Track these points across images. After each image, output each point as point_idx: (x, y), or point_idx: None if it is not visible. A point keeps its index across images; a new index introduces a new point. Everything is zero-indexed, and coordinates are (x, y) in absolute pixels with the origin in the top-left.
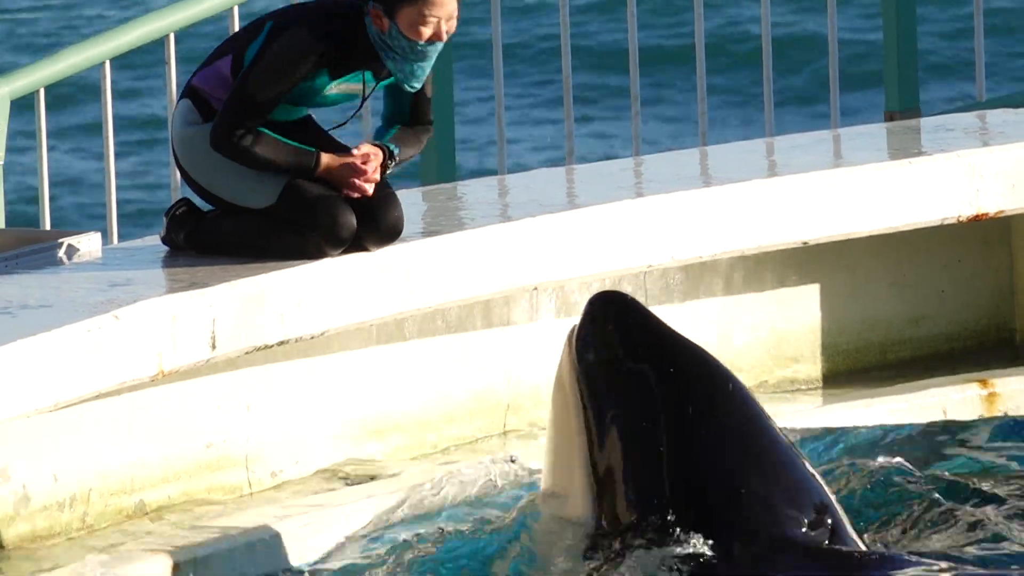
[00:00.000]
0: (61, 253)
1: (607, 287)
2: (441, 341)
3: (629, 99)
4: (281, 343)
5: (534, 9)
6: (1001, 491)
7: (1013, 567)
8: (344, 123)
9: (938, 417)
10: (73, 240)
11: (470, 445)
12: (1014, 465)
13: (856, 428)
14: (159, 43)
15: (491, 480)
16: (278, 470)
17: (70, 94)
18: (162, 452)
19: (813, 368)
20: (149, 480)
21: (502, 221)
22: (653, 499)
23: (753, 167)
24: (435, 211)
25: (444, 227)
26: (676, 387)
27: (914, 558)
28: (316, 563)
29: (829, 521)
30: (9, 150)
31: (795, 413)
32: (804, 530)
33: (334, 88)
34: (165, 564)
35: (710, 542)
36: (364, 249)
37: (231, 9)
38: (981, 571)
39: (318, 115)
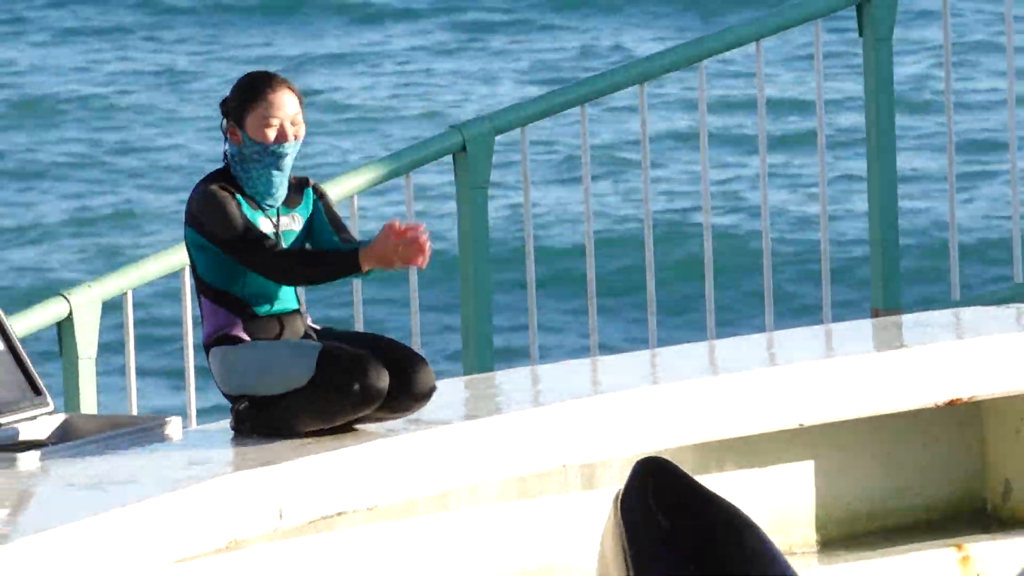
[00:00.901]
0: (147, 435)
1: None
2: (483, 510)
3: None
4: (339, 514)
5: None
6: None
7: None
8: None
9: None
10: (157, 424)
11: None
12: None
13: None
14: None
15: None
16: None
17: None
18: None
19: (810, 534)
20: None
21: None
22: None
23: (755, 358)
24: (475, 397)
25: (482, 412)
26: (712, 546)
27: None
28: None
29: None
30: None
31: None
32: None
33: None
34: None
35: None
36: (405, 411)
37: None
38: None
39: None
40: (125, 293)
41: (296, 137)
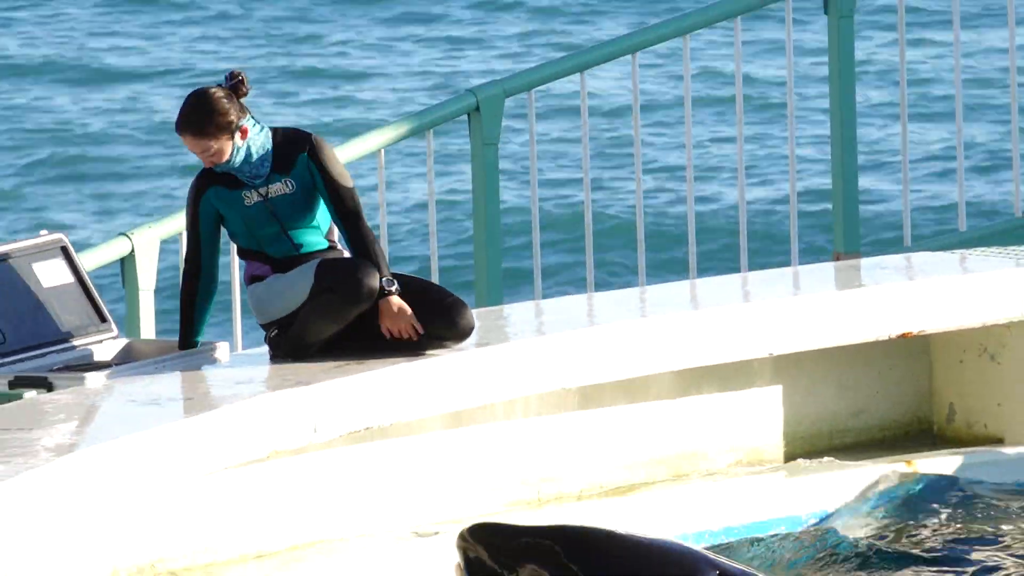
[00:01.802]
0: (198, 358)
1: (620, 390)
2: (491, 428)
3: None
4: (367, 429)
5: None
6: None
7: None
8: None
9: (872, 489)
10: (207, 348)
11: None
12: (932, 519)
13: (811, 500)
14: None
15: None
16: None
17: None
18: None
19: (778, 451)
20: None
21: (537, 335)
22: None
23: (731, 295)
24: (486, 328)
25: (492, 340)
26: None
27: None
28: None
29: None
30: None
31: (764, 485)
32: None
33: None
34: None
35: None
36: (453, 343)
37: None
38: None
39: None
40: (180, 233)
41: (212, 163)
